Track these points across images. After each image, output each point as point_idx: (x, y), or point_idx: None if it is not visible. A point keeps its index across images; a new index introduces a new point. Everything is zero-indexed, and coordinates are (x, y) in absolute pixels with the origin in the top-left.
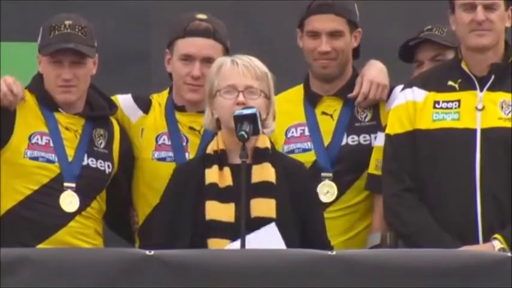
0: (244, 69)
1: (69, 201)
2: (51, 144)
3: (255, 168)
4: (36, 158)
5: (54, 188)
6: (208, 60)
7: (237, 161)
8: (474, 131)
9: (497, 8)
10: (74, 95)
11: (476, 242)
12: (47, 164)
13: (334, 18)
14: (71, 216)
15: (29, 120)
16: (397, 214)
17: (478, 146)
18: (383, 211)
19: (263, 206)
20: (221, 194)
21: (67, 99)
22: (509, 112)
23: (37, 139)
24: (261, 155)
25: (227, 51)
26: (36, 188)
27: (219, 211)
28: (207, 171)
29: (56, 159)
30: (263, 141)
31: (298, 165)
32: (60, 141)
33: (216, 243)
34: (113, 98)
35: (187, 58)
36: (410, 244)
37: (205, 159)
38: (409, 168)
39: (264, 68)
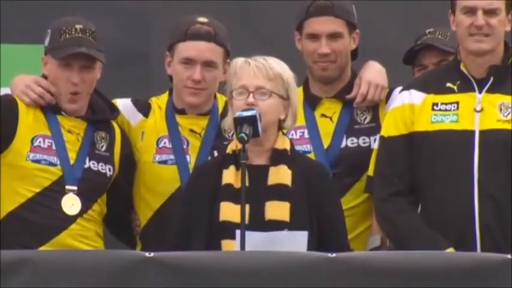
0: (255, 70)
1: (70, 204)
2: (54, 147)
3: (272, 170)
4: (38, 161)
5: (56, 190)
6: (209, 64)
7: (255, 161)
8: (473, 132)
9: (498, 12)
10: (79, 104)
11: (474, 243)
12: (49, 166)
13: (333, 20)
14: (72, 218)
15: (31, 122)
16: (387, 218)
17: (476, 148)
18: (375, 215)
19: (277, 209)
20: (236, 195)
21: (73, 109)
22: (508, 114)
23: (39, 142)
24: (279, 157)
25: (228, 54)
26: (38, 190)
27: (232, 212)
28: (224, 172)
29: (58, 162)
30: (282, 143)
31: (319, 168)
32: (62, 144)
33: (229, 245)
34: (112, 101)
35: (188, 61)
36: (402, 248)
37: (224, 160)
38: (402, 172)
39: (279, 69)
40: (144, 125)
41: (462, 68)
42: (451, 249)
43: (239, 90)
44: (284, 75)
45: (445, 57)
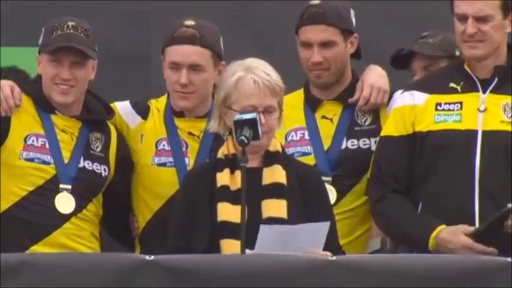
0: (265, 89)
1: (64, 202)
2: (47, 146)
3: (266, 171)
4: (31, 159)
5: (49, 189)
6: (195, 67)
7: (249, 164)
8: (475, 132)
9: (490, 19)
10: (71, 97)
11: None
12: (43, 165)
13: (325, 28)
14: (66, 217)
15: (24, 121)
16: (382, 215)
17: (478, 148)
18: (372, 216)
19: (274, 207)
20: (232, 196)
21: (64, 101)
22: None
23: (33, 140)
24: (272, 158)
25: (217, 56)
26: (31, 189)
27: (230, 213)
28: (218, 175)
29: (52, 161)
30: (274, 145)
31: (311, 170)
32: (56, 143)
33: (228, 244)
34: (111, 105)
35: (175, 66)
36: (398, 240)
37: (216, 164)
38: (398, 173)
39: (279, 80)
40: (143, 127)
41: (466, 68)
42: (442, 227)
43: (247, 108)
44: (283, 86)
45: (433, 61)
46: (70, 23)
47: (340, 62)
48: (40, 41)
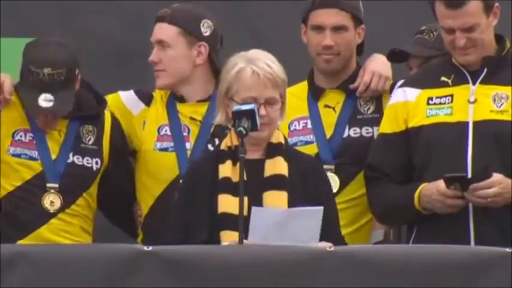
0: (266, 81)
1: (50, 201)
2: (35, 142)
3: (268, 162)
4: (18, 155)
5: (37, 185)
6: (160, 43)
7: (251, 156)
8: (466, 124)
9: (476, 27)
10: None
11: (468, 234)
12: (30, 161)
13: (338, 12)
14: (53, 214)
15: (13, 117)
16: (376, 200)
17: (470, 139)
18: (369, 207)
19: (275, 198)
20: (233, 188)
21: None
22: (502, 105)
23: (20, 136)
24: (274, 150)
25: (191, 35)
26: (18, 184)
27: (231, 204)
28: (221, 167)
29: (39, 157)
30: (277, 137)
31: (313, 161)
32: (43, 140)
33: (227, 236)
34: (114, 94)
35: (152, 45)
36: (391, 216)
37: (218, 155)
38: (390, 168)
39: (281, 72)
40: (145, 114)
41: (454, 61)
42: (423, 185)
43: (247, 100)
44: (285, 79)
45: (429, 58)
46: (46, 70)
47: (349, 48)
48: (20, 70)
